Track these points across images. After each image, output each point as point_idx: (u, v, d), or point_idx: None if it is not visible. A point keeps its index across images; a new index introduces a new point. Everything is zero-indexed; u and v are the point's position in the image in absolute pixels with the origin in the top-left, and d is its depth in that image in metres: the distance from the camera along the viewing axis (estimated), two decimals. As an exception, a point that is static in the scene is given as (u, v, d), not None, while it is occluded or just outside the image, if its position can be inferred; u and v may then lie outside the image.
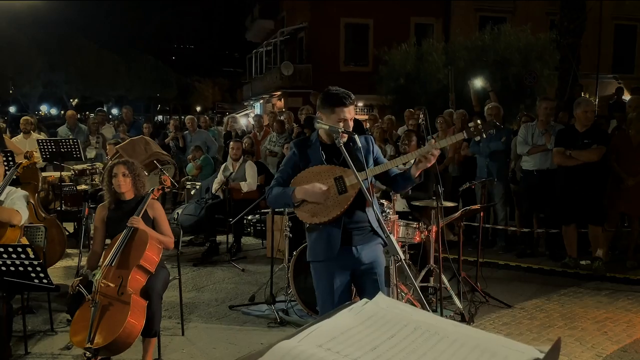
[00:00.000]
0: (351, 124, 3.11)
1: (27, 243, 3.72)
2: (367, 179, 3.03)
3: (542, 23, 20.53)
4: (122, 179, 4.06)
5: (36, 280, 3.03)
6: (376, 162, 3.24)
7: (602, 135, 6.33)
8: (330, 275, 3.14)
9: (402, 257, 2.56)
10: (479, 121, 3.14)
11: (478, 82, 9.68)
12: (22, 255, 2.94)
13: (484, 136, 3.09)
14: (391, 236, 2.59)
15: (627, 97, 13.68)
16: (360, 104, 23.90)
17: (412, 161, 3.06)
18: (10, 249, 2.94)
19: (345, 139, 3.00)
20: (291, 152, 3.26)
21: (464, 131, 3.16)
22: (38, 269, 2.99)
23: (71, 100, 38.30)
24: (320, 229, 3.11)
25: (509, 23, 19.55)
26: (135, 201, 4.12)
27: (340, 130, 2.80)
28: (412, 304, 4.96)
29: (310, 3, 23.42)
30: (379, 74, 19.60)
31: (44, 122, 29.06)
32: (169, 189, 4.51)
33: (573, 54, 13.27)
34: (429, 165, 3.00)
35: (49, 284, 3.05)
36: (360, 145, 3.15)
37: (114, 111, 45.06)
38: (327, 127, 2.88)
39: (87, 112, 41.74)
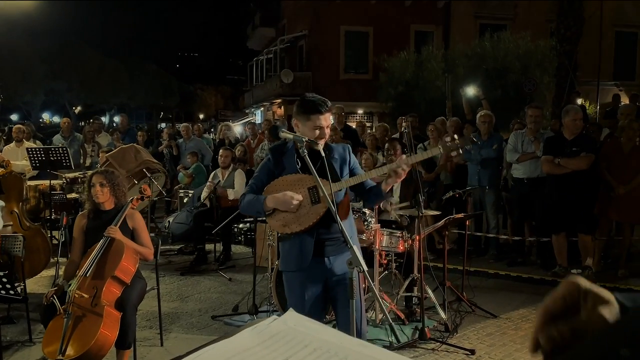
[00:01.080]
0: (328, 131, 3.08)
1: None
2: (340, 190, 3.00)
3: (542, 30, 20.49)
4: (100, 189, 4.04)
5: (3, 292, 3.00)
6: (352, 173, 3.20)
7: (591, 143, 6.28)
8: (302, 286, 3.10)
9: (366, 269, 2.51)
10: (455, 136, 3.11)
11: (470, 90, 9.65)
12: (-13, 267, 2.91)
13: (460, 152, 3.07)
14: (355, 247, 2.54)
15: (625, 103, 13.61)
16: (360, 111, 23.91)
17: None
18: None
19: (321, 147, 2.97)
20: (266, 158, 3.21)
21: (440, 146, 3.14)
22: (4, 280, 2.96)
23: (74, 108, 38.41)
24: (293, 238, 3.07)
25: (509, 30, 19.55)
26: (115, 211, 4.10)
27: (304, 140, 2.77)
28: (396, 315, 4.93)
29: (311, 11, 23.47)
30: (379, 81, 19.62)
31: (46, 129, 29.21)
32: (148, 198, 4.48)
33: (570, 61, 13.22)
34: (398, 180, 2.97)
35: (15, 295, 3.02)
36: (337, 156, 3.12)
37: (116, 119, 45.22)
38: (292, 136, 2.84)
39: (91, 120, 41.93)
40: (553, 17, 16.49)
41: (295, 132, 3.01)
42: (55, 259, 5.10)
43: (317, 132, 3.00)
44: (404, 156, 2.99)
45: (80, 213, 4.19)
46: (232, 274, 6.63)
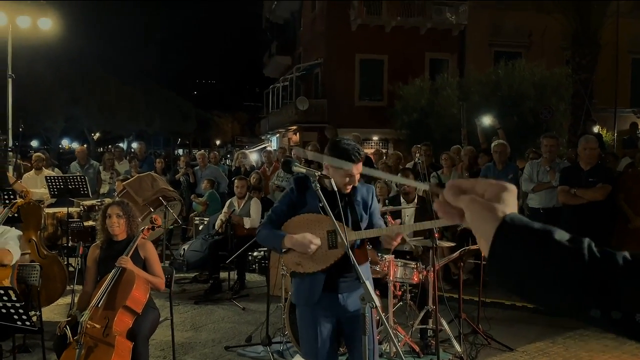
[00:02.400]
0: (358, 178, 3.08)
1: (8, 285, 3.74)
2: (358, 239, 3.02)
3: (557, 58, 20.50)
4: (116, 220, 4.09)
5: (19, 322, 3.03)
6: (369, 219, 3.21)
7: (607, 174, 6.23)
8: (314, 321, 3.07)
9: (378, 304, 2.50)
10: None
11: (486, 120, 9.67)
12: (5, 298, 2.95)
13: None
14: (367, 282, 2.54)
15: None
16: (375, 138, 23.98)
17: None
18: (-7, 292, 2.95)
19: (349, 190, 2.99)
20: (289, 189, 3.17)
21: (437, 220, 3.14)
22: (20, 311, 3.00)
23: (92, 134, 39.00)
24: (303, 276, 3.06)
25: (524, 58, 19.59)
26: (127, 241, 4.14)
27: (316, 174, 2.77)
28: (411, 347, 4.87)
29: (326, 40, 23.76)
30: (394, 108, 19.71)
31: (65, 155, 29.64)
32: (159, 228, 4.52)
33: (586, 89, 13.19)
34: (391, 247, 3.06)
35: (31, 326, 3.05)
36: (359, 198, 3.13)
37: (134, 145, 45.77)
38: (305, 170, 2.85)
39: (109, 146, 42.51)
40: (568, 45, 16.53)
41: (309, 167, 3.02)
42: (71, 286, 5.15)
43: (348, 179, 3.00)
44: (396, 227, 3.04)
45: (94, 244, 4.23)
46: (246, 303, 6.62)
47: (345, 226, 2.85)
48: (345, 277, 3.05)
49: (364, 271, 2.89)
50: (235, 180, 7.82)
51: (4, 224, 4.50)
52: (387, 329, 3.11)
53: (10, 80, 10.62)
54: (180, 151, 54.84)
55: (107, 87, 33.07)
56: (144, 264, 4.06)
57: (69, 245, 7.54)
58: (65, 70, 29.03)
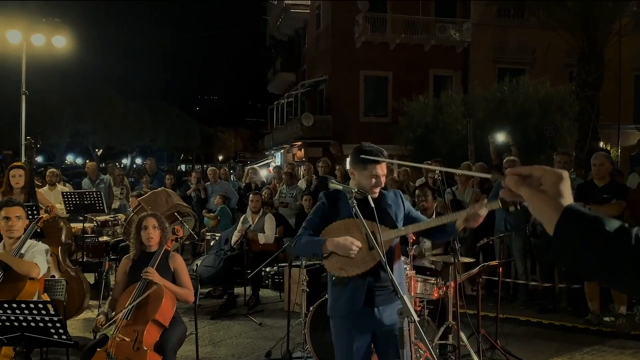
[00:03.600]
0: (383, 179, 3.16)
1: (48, 299, 3.79)
2: (398, 237, 3.05)
3: (561, 75, 20.69)
4: (153, 231, 4.15)
5: (55, 336, 3.07)
6: (408, 217, 3.26)
7: (622, 190, 6.29)
8: (351, 335, 3.10)
9: (417, 318, 2.56)
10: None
11: (500, 137, 9.77)
12: (43, 312, 2.99)
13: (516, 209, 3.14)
14: (405, 297, 2.59)
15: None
16: (379, 154, 24.05)
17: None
18: (32, 305, 3.00)
19: (376, 195, 3.05)
20: (320, 202, 3.25)
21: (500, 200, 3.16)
22: (58, 325, 3.04)
23: (96, 150, 39.17)
24: (345, 284, 3.09)
25: (528, 74, 19.76)
26: (158, 253, 4.19)
27: (353, 191, 2.84)
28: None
29: (331, 57, 23.96)
30: (398, 124, 19.84)
31: (68, 171, 29.74)
32: (181, 240, 4.58)
33: (592, 106, 13.29)
34: (475, 225, 3.01)
35: (67, 340, 3.09)
36: (390, 202, 3.18)
37: (138, 161, 45.95)
38: (341, 187, 2.92)
39: (114, 162, 42.63)
40: (571, 62, 16.68)
41: (345, 182, 3.11)
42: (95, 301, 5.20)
43: (374, 180, 3.09)
44: (485, 201, 3.04)
45: (126, 256, 4.30)
46: (262, 319, 6.65)
47: (381, 225, 2.91)
48: (382, 290, 3.09)
49: (397, 274, 2.96)
50: (250, 195, 7.89)
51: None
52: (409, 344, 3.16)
53: (23, 96, 10.73)
54: (183, 167, 55.04)
55: (113, 104, 33.28)
56: (173, 276, 4.11)
57: (84, 260, 7.58)
58: (73, 86, 29.27)
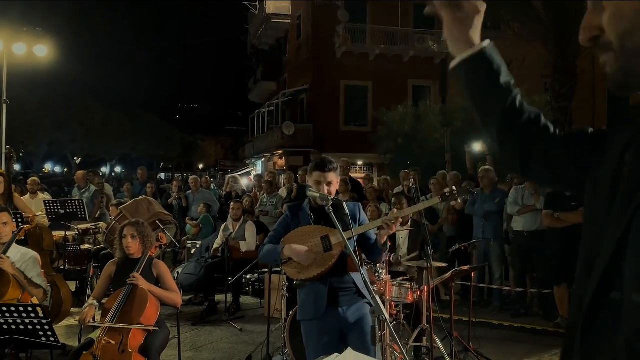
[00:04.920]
0: (330, 188, 3.39)
1: (37, 302, 3.91)
2: (352, 237, 3.25)
3: (536, 85, 21.14)
4: (131, 241, 4.29)
5: (44, 339, 3.20)
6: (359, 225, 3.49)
7: (589, 198, 6.55)
8: (319, 335, 3.33)
9: (387, 317, 2.73)
10: (454, 187, 3.43)
11: (476, 146, 10.03)
12: (32, 315, 3.12)
13: (459, 200, 3.37)
14: (377, 297, 2.77)
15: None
16: (359, 162, 24.32)
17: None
18: (21, 308, 3.12)
19: (331, 203, 3.26)
20: (285, 214, 3.58)
21: (440, 196, 3.45)
22: (46, 327, 3.17)
23: (75, 158, 38.89)
24: (308, 287, 3.34)
25: (505, 85, 20.13)
26: (141, 259, 4.32)
27: (330, 199, 3.03)
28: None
29: (312, 67, 24.23)
30: (378, 133, 20.10)
31: (47, 179, 29.49)
32: (165, 247, 4.73)
33: (565, 117, 13.68)
34: (390, 232, 3.26)
35: (55, 342, 3.22)
36: (347, 211, 3.40)
37: (117, 169, 45.67)
38: (319, 194, 3.14)
39: (95, 170, 42.21)
40: (547, 73, 17.09)
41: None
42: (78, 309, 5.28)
43: (318, 186, 3.36)
44: (394, 210, 3.29)
45: (111, 261, 4.43)
46: (243, 325, 6.78)
47: (338, 227, 3.13)
48: (345, 291, 3.32)
49: (358, 278, 3.23)
50: (232, 203, 8.02)
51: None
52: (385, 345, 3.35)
53: (4, 105, 10.75)
54: (163, 175, 54.76)
55: (92, 112, 33.12)
56: (156, 282, 4.25)
57: (65, 268, 7.65)
58: (52, 95, 29.10)
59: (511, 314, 7.24)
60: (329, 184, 3.39)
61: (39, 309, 3.12)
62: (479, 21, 1.26)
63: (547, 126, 1.26)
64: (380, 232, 3.31)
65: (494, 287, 7.56)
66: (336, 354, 1.32)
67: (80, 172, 11.18)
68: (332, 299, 3.32)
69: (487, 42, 1.26)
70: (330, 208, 3.02)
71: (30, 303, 3.71)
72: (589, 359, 0.96)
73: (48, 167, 45.82)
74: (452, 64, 1.31)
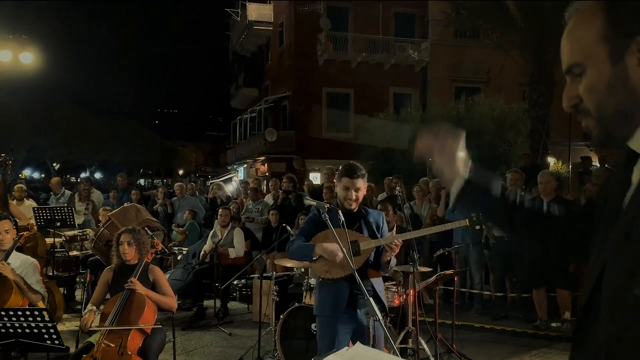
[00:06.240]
0: (358, 194, 3.59)
1: (44, 306, 4.01)
2: (380, 245, 3.47)
3: (514, 93, 21.60)
4: (127, 247, 4.42)
5: (49, 342, 3.31)
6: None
7: (567, 205, 6.82)
8: (334, 332, 3.54)
9: (381, 319, 2.92)
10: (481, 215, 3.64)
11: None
12: (38, 318, 3.24)
13: (483, 227, 3.62)
14: (371, 299, 2.95)
15: (596, 163, 14.39)
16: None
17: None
18: (28, 312, 3.24)
19: (353, 206, 3.56)
20: (312, 213, 3.75)
21: (467, 219, 3.64)
22: (51, 330, 3.29)
23: (54, 164, 38.51)
24: (330, 285, 3.55)
25: (483, 93, 20.59)
26: (138, 265, 4.46)
27: (325, 206, 3.21)
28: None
29: (294, 74, 24.43)
30: (360, 140, 20.31)
31: (26, 185, 29.16)
32: (160, 253, 4.87)
33: (542, 125, 14.05)
34: (393, 254, 3.48)
35: (60, 345, 3.34)
36: (372, 219, 3.62)
37: (97, 175, 45.28)
38: (315, 203, 3.32)
39: (68, 176, 41.86)
40: (525, 81, 17.50)
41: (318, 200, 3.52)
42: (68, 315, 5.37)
43: (346, 193, 3.57)
44: (393, 232, 3.51)
45: (108, 267, 4.56)
46: (232, 329, 6.91)
47: (363, 235, 3.34)
48: (363, 294, 3.51)
49: (377, 284, 3.45)
50: (219, 210, 8.15)
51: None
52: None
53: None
54: (142, 181, 54.36)
55: (72, 118, 32.89)
56: (152, 287, 4.38)
57: (54, 274, 7.71)
58: (32, 101, 28.86)
59: (492, 316, 7.47)
60: (357, 190, 3.58)
61: (45, 312, 3.24)
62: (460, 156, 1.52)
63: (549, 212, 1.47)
64: (384, 253, 3.52)
65: (475, 291, 7.79)
66: (346, 347, 1.50)
67: (54, 179, 11.20)
68: (351, 301, 3.54)
69: (467, 171, 1.52)
70: (327, 217, 3.20)
71: (37, 307, 3.82)
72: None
73: (26, 172, 45.25)
74: (451, 202, 1.58)
